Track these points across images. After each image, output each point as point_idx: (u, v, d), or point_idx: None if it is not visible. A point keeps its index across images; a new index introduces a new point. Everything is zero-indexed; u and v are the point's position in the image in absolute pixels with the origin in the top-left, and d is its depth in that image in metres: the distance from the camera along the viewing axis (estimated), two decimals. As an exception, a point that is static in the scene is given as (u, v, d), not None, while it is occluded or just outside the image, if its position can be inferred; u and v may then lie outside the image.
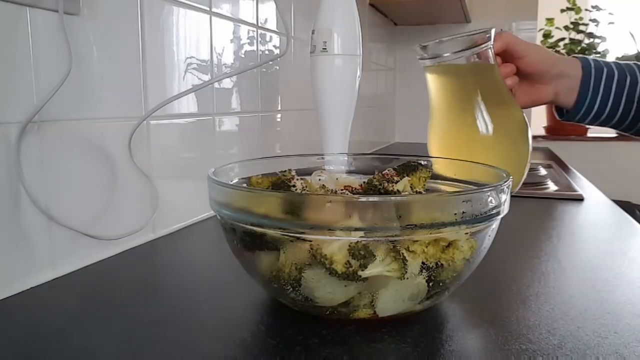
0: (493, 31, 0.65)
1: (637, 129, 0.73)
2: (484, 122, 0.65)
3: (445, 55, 0.64)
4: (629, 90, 0.69)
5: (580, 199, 0.88)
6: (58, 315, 0.41)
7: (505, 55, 0.69)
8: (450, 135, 0.69)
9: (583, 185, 1.06)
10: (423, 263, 0.36)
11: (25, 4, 0.43)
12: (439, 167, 0.67)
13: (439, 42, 0.64)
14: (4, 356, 0.34)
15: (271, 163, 0.51)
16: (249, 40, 0.82)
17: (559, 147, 1.98)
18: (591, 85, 0.69)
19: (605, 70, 0.70)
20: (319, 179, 0.47)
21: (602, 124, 0.73)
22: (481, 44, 0.63)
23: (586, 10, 2.21)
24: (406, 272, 0.35)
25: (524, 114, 0.68)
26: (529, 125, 0.68)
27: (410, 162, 0.48)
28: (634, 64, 0.71)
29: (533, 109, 2.05)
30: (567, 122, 0.75)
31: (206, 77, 0.71)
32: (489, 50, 0.65)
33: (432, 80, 0.69)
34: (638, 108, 0.69)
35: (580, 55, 0.73)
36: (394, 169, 0.48)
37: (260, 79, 0.86)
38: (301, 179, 0.44)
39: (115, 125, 0.55)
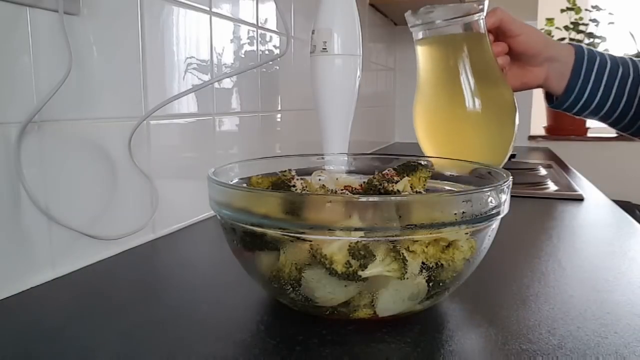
0: (486, 2, 0.64)
1: (623, 124, 0.71)
2: (471, 97, 0.64)
3: (437, 22, 0.63)
4: (620, 82, 0.68)
5: (580, 199, 0.88)
6: (58, 315, 0.41)
7: (497, 34, 0.68)
8: (436, 109, 0.69)
9: (583, 185, 1.06)
10: (423, 263, 0.36)
11: (25, 4, 0.43)
12: (428, 149, 0.67)
13: (430, 7, 0.63)
14: (4, 356, 0.34)
15: (271, 163, 0.51)
16: (249, 40, 0.82)
17: (559, 147, 1.98)
18: (582, 72, 0.68)
19: (598, 59, 0.69)
20: (319, 179, 0.47)
21: (590, 115, 0.72)
22: (473, 14, 0.63)
23: (586, 10, 2.21)
24: (406, 272, 0.35)
25: (512, 92, 0.67)
26: (516, 104, 0.67)
27: (410, 162, 0.48)
28: (629, 58, 0.70)
29: (533, 109, 2.05)
30: (555, 109, 0.74)
31: (206, 77, 0.71)
32: (481, 21, 0.64)
33: (422, 53, 0.68)
34: (627, 101, 0.68)
35: (576, 43, 0.72)
36: (394, 169, 0.48)
37: (260, 79, 0.86)
38: (301, 179, 0.44)
39: (115, 125, 0.55)
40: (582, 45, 0.71)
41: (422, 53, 0.68)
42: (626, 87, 0.68)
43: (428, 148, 0.69)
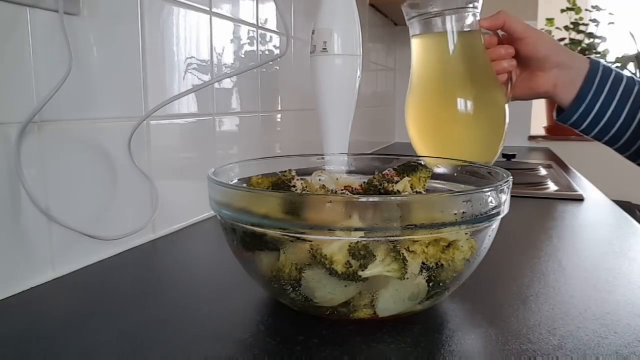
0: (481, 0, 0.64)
1: (631, 151, 0.68)
2: (461, 95, 0.64)
3: (431, 11, 0.64)
4: (634, 101, 0.64)
5: (580, 199, 0.88)
6: (58, 315, 0.41)
7: (504, 37, 0.67)
8: (427, 106, 0.69)
9: (583, 185, 1.06)
10: (423, 263, 0.36)
11: (25, 4, 0.43)
12: (420, 148, 0.67)
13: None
14: (4, 356, 0.34)
15: (271, 163, 0.51)
16: (249, 40, 0.82)
17: (559, 147, 1.98)
18: (596, 82, 0.64)
19: (613, 72, 0.65)
20: (319, 179, 0.47)
21: (598, 135, 0.68)
22: (467, 7, 0.63)
23: (586, 10, 2.21)
24: (406, 272, 0.35)
25: (504, 91, 0.67)
26: (507, 98, 0.66)
27: (410, 162, 0.48)
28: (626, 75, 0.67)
29: (533, 109, 2.05)
30: (562, 123, 0.70)
31: (206, 77, 0.71)
32: (475, 17, 0.64)
33: (416, 48, 0.68)
34: (639, 125, 0.64)
35: (592, 57, 0.68)
36: (394, 169, 0.48)
37: (260, 79, 0.86)
38: (301, 179, 0.44)
39: (115, 125, 0.55)
40: (599, 60, 0.67)
41: (416, 48, 0.68)
42: (629, 103, 0.64)
43: (420, 146, 0.69)
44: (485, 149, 0.68)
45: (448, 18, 0.64)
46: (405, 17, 0.67)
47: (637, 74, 2.11)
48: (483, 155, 0.66)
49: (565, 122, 0.69)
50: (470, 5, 0.63)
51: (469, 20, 0.65)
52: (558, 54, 0.66)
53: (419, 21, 0.66)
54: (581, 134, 0.69)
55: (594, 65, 0.66)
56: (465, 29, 0.65)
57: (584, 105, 0.66)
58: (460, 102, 0.65)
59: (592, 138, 0.69)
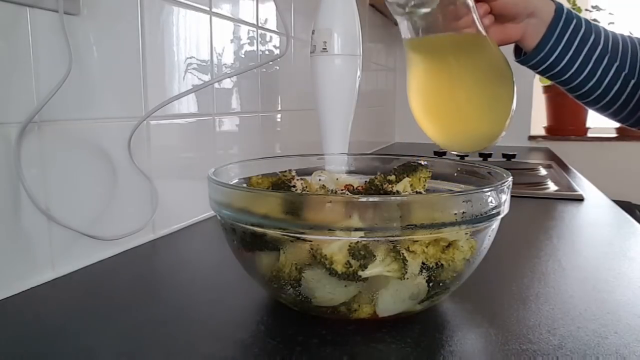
0: None
1: (580, 93, 0.70)
2: (457, 62, 0.63)
3: None
4: (590, 48, 0.67)
5: (580, 199, 0.88)
6: (58, 315, 0.41)
7: None
8: (426, 82, 0.67)
9: (583, 185, 1.06)
10: (423, 263, 0.36)
11: (25, 4, 0.43)
12: (428, 129, 0.64)
13: None
14: (4, 356, 0.34)
15: (271, 163, 0.51)
16: (249, 41, 0.82)
17: (559, 147, 1.98)
18: (556, 33, 0.67)
19: (574, 21, 0.67)
20: (319, 179, 0.47)
21: (552, 77, 0.70)
22: None
23: (586, 10, 2.21)
24: (406, 272, 0.35)
25: (503, 54, 0.66)
26: (511, 71, 0.65)
27: (410, 162, 0.48)
28: (603, 28, 0.69)
29: (533, 109, 2.06)
30: (522, 64, 0.71)
31: (206, 77, 0.71)
32: None
33: (405, 30, 0.67)
34: (592, 69, 0.67)
35: (558, 1, 0.70)
36: (394, 169, 0.48)
37: (260, 79, 0.86)
38: (301, 179, 0.44)
39: (115, 125, 0.55)
40: (564, 5, 0.69)
41: (405, 31, 0.66)
42: (594, 54, 0.67)
43: (427, 127, 0.67)
44: (496, 115, 0.66)
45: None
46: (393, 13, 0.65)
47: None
48: (494, 122, 0.64)
49: (524, 64, 0.71)
50: None
51: None
52: (528, 7, 0.67)
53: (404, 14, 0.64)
54: (539, 74, 0.71)
55: (557, 14, 0.67)
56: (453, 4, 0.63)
57: (544, 52, 0.68)
58: (457, 72, 0.63)
59: (549, 78, 0.71)
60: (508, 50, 0.69)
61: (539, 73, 0.71)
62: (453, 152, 0.77)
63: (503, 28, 0.68)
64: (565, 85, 0.71)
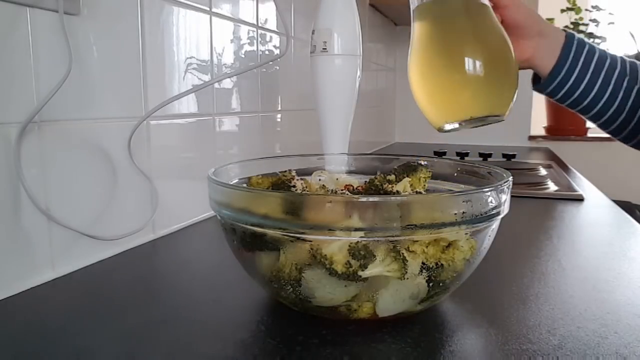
0: None
1: (603, 120, 0.70)
2: (455, 37, 0.62)
3: None
4: (607, 71, 0.67)
5: (580, 199, 0.88)
6: (58, 315, 0.41)
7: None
8: (425, 59, 0.66)
9: (583, 185, 1.06)
10: (423, 263, 0.36)
11: (25, 4, 0.43)
12: (428, 109, 0.63)
13: None
14: (4, 356, 0.34)
15: (271, 163, 0.51)
16: (249, 41, 0.82)
17: (559, 147, 1.98)
18: (572, 52, 0.66)
19: (587, 46, 0.68)
20: (319, 179, 0.47)
21: (572, 105, 0.70)
22: None
23: (586, 10, 2.21)
24: (406, 272, 0.35)
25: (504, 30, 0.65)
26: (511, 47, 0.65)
27: (410, 162, 0.48)
28: (618, 56, 0.69)
29: (533, 109, 2.05)
30: (539, 92, 0.71)
31: (206, 77, 0.71)
32: None
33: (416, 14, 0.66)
34: (613, 92, 0.67)
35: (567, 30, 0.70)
36: (394, 169, 0.48)
37: (260, 79, 0.86)
38: (301, 179, 0.44)
39: (115, 125, 0.55)
40: (574, 32, 0.69)
41: (416, 14, 0.65)
42: (612, 77, 0.67)
43: (427, 108, 0.66)
44: (499, 87, 0.65)
45: None
46: None
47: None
48: (498, 95, 0.63)
49: (542, 92, 0.70)
50: None
51: None
52: (539, 23, 0.67)
53: None
54: (557, 102, 0.71)
55: (569, 37, 0.67)
56: None
57: (561, 75, 0.67)
58: (456, 46, 0.62)
59: (568, 107, 0.71)
60: (526, 77, 0.69)
61: (558, 101, 0.70)
62: (457, 125, 0.74)
63: (514, 44, 0.68)
64: (586, 112, 0.70)
